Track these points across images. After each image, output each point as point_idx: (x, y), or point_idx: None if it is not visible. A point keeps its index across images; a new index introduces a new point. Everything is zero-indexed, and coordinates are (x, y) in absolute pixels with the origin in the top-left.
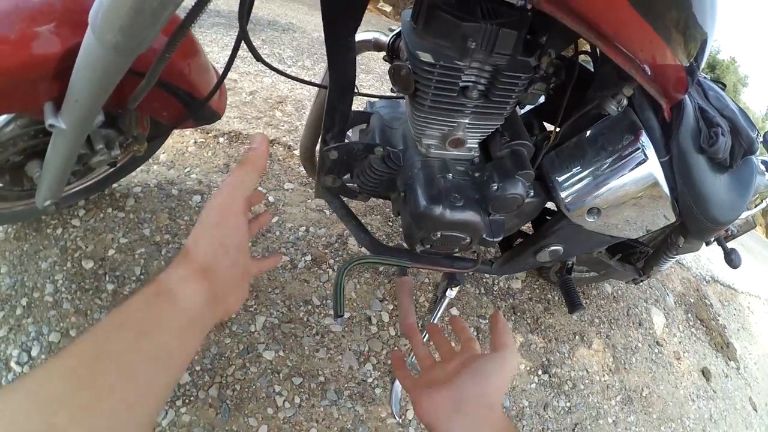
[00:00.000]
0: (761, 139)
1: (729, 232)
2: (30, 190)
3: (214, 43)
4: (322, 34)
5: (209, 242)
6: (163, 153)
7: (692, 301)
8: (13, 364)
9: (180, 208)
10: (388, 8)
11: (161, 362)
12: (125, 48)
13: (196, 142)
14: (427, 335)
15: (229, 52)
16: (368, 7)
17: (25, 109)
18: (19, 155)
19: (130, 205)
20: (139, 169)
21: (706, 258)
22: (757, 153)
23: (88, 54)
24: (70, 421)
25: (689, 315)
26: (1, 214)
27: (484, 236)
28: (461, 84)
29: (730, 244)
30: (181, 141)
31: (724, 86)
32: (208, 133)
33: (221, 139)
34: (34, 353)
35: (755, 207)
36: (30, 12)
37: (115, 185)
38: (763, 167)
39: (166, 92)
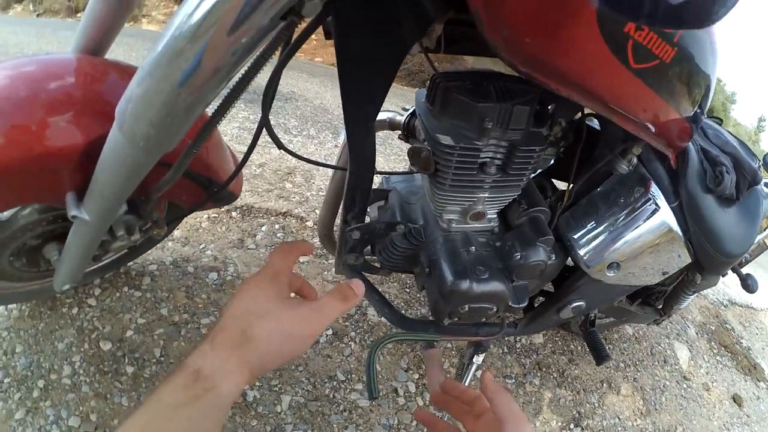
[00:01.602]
0: (762, 163)
1: (743, 259)
2: (46, 270)
3: None
4: (323, 101)
5: (263, 329)
6: (178, 230)
7: (713, 328)
8: None
9: (197, 285)
10: None
11: None
12: (153, 146)
13: (209, 218)
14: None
15: (236, 124)
16: None
17: (46, 200)
18: (37, 239)
19: (146, 284)
20: (153, 247)
21: (721, 282)
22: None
23: (113, 150)
24: None
25: (712, 343)
26: (16, 294)
27: (509, 303)
28: (479, 161)
29: (744, 270)
30: (195, 217)
31: (720, 121)
32: (220, 208)
33: (234, 214)
34: None
35: (765, 230)
36: (50, 100)
37: (130, 264)
38: (766, 190)
39: (186, 178)
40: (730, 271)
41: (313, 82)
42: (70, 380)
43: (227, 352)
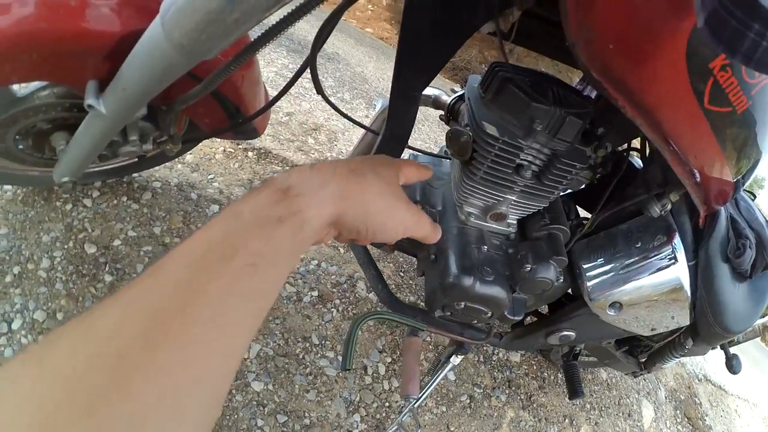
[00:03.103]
0: None
1: (736, 338)
2: (50, 159)
3: (260, 56)
4: (364, 69)
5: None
6: (190, 154)
7: (683, 398)
8: None
9: (195, 213)
10: None
11: (261, 301)
12: (192, 51)
13: (225, 151)
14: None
15: (274, 69)
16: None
17: (67, 81)
18: (48, 123)
19: (146, 199)
20: (162, 164)
21: (702, 357)
22: None
23: (150, 45)
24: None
25: (678, 411)
26: (14, 175)
27: (505, 313)
28: (518, 161)
29: (732, 349)
30: (211, 146)
31: (754, 197)
32: (238, 145)
33: (250, 154)
34: (14, 326)
35: (763, 317)
36: None
37: (135, 175)
38: None
39: (215, 100)
40: (718, 347)
41: (359, 50)
42: (46, 274)
43: (328, 175)
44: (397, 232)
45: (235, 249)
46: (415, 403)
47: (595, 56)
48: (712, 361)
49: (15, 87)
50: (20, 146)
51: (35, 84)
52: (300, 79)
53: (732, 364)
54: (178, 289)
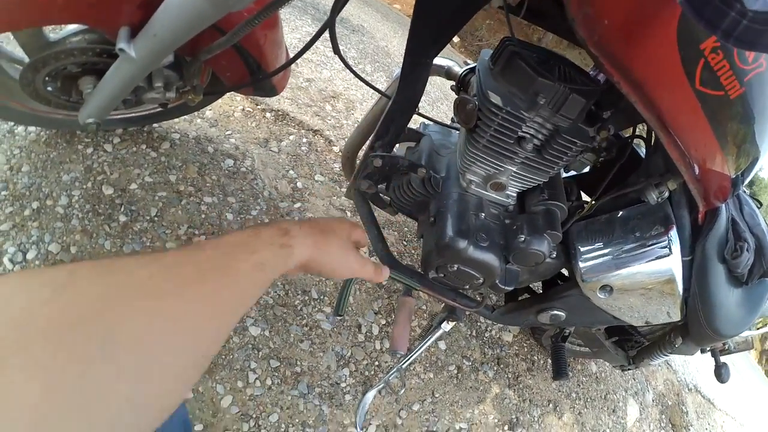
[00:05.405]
0: None
1: (726, 346)
2: (76, 102)
3: (285, 22)
4: (388, 44)
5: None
6: (210, 110)
7: (670, 403)
8: (5, 260)
9: (211, 165)
10: (455, 39)
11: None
12: (221, 1)
13: (243, 110)
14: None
15: (298, 36)
16: None
17: (101, 25)
18: (78, 67)
19: (164, 148)
20: (183, 117)
21: (695, 366)
22: None
23: None
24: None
25: (663, 416)
26: (40, 117)
27: (496, 281)
28: (520, 133)
29: (723, 359)
30: (230, 104)
31: (760, 204)
32: (257, 105)
33: (268, 115)
34: (29, 256)
35: (757, 329)
36: None
37: (156, 125)
38: None
39: (238, 54)
40: (709, 354)
41: (384, 24)
42: (64, 210)
43: (309, 232)
44: (347, 273)
45: (254, 251)
46: (404, 363)
47: (592, 31)
48: (705, 371)
49: (49, 32)
50: (49, 88)
51: (68, 29)
52: (323, 48)
53: (721, 372)
54: (217, 258)
